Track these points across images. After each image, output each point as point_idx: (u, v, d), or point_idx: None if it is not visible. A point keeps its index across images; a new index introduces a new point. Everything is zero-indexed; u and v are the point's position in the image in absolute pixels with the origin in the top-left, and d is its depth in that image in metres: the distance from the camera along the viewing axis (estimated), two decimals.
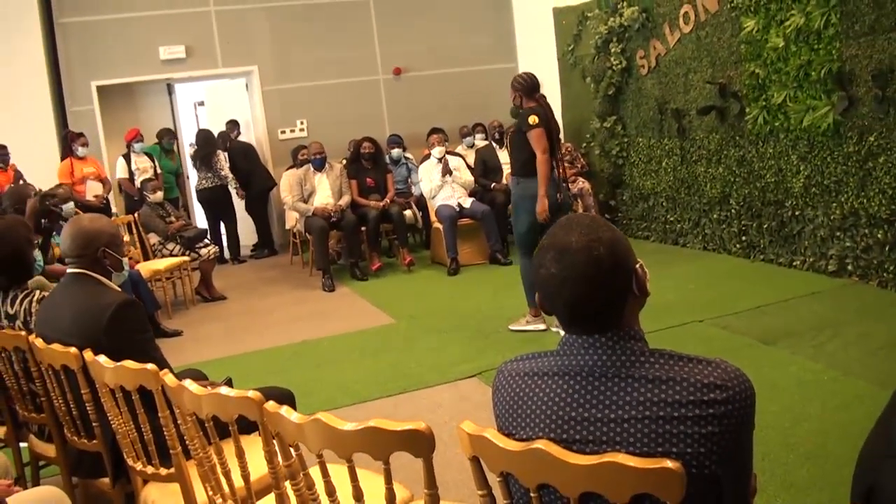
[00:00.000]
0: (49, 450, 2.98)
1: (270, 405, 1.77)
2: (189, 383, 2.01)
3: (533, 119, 4.98)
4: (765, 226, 6.42)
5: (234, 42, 9.55)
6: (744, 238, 6.69)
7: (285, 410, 1.72)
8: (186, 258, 7.33)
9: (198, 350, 5.88)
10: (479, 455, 1.50)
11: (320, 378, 4.94)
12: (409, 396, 4.45)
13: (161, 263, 7.11)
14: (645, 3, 7.47)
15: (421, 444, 1.52)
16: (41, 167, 7.98)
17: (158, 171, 8.58)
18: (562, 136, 6.46)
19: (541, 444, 1.36)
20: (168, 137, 8.98)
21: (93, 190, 8.04)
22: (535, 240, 4.60)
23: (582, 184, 8.24)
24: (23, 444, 3.25)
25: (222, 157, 9.06)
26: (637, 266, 1.55)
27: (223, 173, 8.99)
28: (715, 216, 6.98)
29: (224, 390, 1.92)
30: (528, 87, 5.13)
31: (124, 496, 2.67)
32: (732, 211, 6.76)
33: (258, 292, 7.65)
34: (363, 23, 10.02)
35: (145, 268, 6.82)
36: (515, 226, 5.43)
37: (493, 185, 8.12)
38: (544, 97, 5.27)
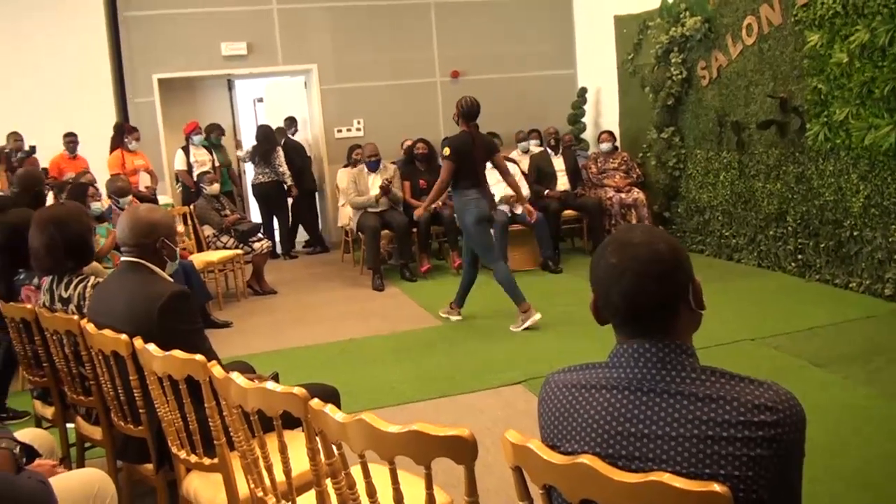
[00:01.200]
0: (95, 432, 3.04)
1: (315, 403, 1.77)
2: (236, 376, 2.02)
3: (446, 151, 5.62)
4: (821, 245, 6.26)
5: (294, 40, 9.65)
6: (799, 257, 6.53)
7: (329, 409, 1.71)
8: (239, 251, 7.42)
9: (246, 342, 5.94)
10: (521, 465, 1.47)
11: (364, 377, 4.95)
12: (452, 400, 4.43)
13: (214, 255, 7.22)
14: (708, 13, 7.35)
15: (463, 450, 1.50)
16: (101, 156, 8.16)
17: (217, 164, 8.72)
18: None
19: (586, 459, 1.33)
20: (216, 132, 9.10)
21: (143, 181, 8.21)
22: (489, 241, 5.78)
23: (636, 194, 8.14)
24: (70, 426, 3.32)
25: (280, 154, 9.17)
26: (696, 279, 1.53)
27: (280, 169, 9.09)
28: (771, 233, 6.83)
29: (270, 385, 1.92)
30: (466, 112, 5.66)
31: (167, 483, 2.70)
32: (789, 228, 6.61)
33: (308, 288, 7.71)
34: (423, 25, 10.05)
35: (198, 259, 6.93)
36: (465, 237, 5.92)
37: (547, 191, 8.06)
38: (476, 126, 5.74)
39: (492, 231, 6.00)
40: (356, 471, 1.78)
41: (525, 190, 7.72)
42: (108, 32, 8.95)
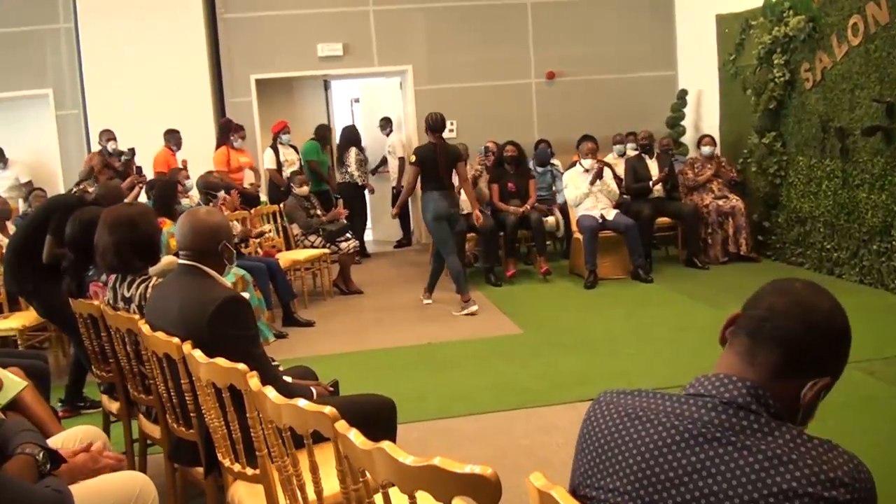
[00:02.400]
0: (155, 431, 3.05)
1: (340, 425, 1.67)
2: (269, 391, 1.94)
3: (412, 158, 6.64)
4: None
5: (390, 41, 9.67)
6: None
7: (354, 434, 1.61)
8: (326, 250, 7.46)
9: (326, 342, 5.95)
10: None
11: (439, 383, 4.86)
12: (526, 413, 4.28)
13: (301, 254, 7.28)
14: (812, 11, 6.93)
15: (485, 491, 1.36)
16: (199, 154, 8.36)
17: (302, 163, 8.84)
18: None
19: None
20: (324, 131, 9.23)
21: (248, 178, 8.37)
22: (448, 236, 6.60)
23: (734, 202, 7.77)
24: (135, 421, 3.35)
25: (352, 154, 9.23)
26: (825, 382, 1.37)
27: (349, 170, 9.16)
28: (875, 247, 6.37)
29: (301, 403, 1.84)
30: (431, 126, 6.59)
31: (216, 488, 2.67)
32: (894, 243, 6.14)
33: (394, 289, 7.69)
34: (519, 26, 9.90)
35: (285, 258, 6.98)
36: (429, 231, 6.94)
37: (651, 181, 7.85)
38: (441, 137, 6.61)
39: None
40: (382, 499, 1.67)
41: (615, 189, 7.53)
42: (207, 34, 9.19)
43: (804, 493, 1.17)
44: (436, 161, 6.51)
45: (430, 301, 6.95)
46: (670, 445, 1.30)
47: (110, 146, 8.12)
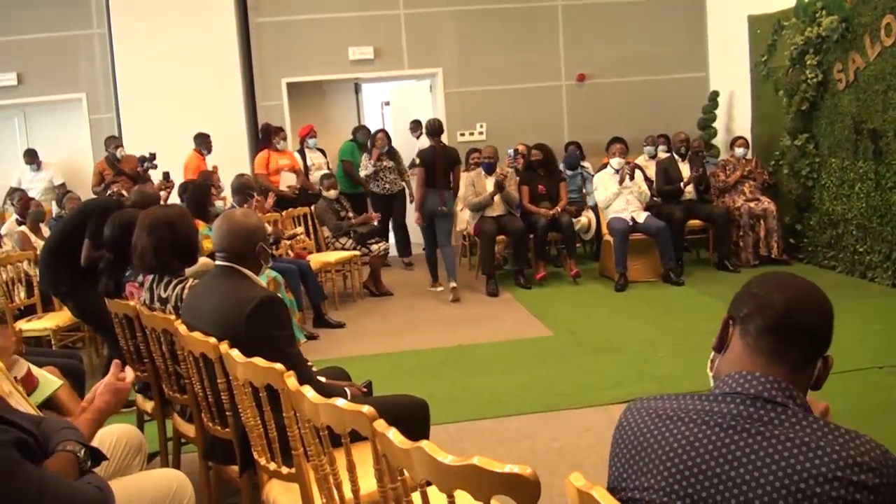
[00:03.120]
0: (189, 430, 3.09)
1: (379, 424, 1.68)
2: (307, 390, 1.96)
3: (416, 160, 7.37)
4: None
5: (420, 44, 9.70)
6: None
7: (392, 433, 1.62)
8: (357, 252, 7.49)
9: (357, 343, 5.98)
10: None
11: (469, 385, 4.86)
12: (557, 416, 4.27)
13: (332, 256, 7.32)
14: (845, 11, 6.84)
15: (524, 490, 1.36)
16: (230, 157, 8.46)
17: (330, 167, 8.87)
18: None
19: None
20: (362, 132, 9.21)
21: (286, 180, 8.42)
22: (428, 231, 7.38)
23: (766, 204, 7.69)
24: (169, 420, 3.38)
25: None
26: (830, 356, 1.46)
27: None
28: None
29: (340, 402, 1.85)
30: (430, 130, 7.33)
31: (251, 486, 2.69)
32: None
33: (424, 291, 7.69)
34: (549, 28, 9.88)
35: (315, 259, 7.03)
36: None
37: (682, 183, 7.77)
38: (440, 141, 7.29)
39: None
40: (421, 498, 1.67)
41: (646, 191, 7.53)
42: (239, 37, 9.28)
43: (833, 478, 1.19)
44: (434, 162, 7.17)
45: (439, 288, 7.56)
46: (701, 440, 1.32)
47: (119, 153, 8.25)
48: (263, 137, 8.67)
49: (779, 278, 1.49)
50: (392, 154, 8.86)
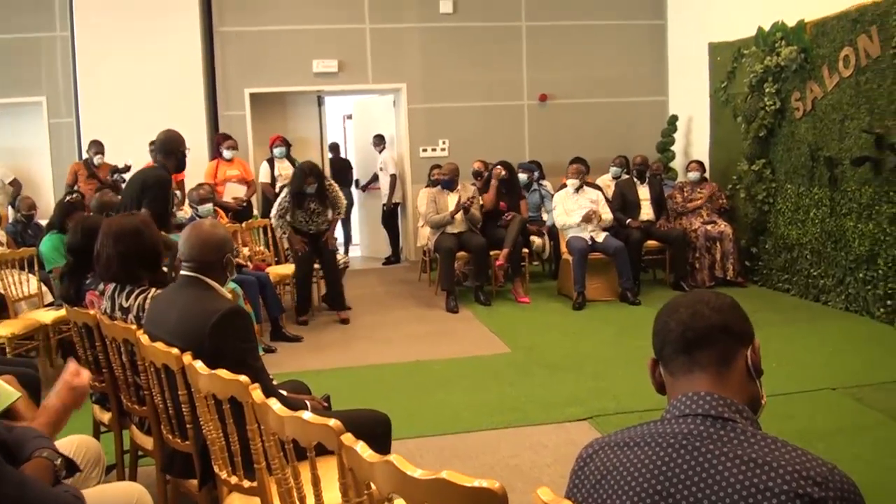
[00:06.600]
0: (147, 442, 3.05)
1: (347, 437, 1.69)
2: (273, 402, 1.96)
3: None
4: None
5: (385, 59, 9.74)
6: (889, 302, 6.14)
7: (360, 447, 1.63)
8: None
9: (314, 357, 5.95)
10: None
11: (427, 401, 4.87)
12: (515, 432, 4.30)
13: (290, 268, 7.27)
14: (804, 43, 7.05)
15: None
16: (191, 166, 8.34)
17: None
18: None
19: None
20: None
21: (231, 192, 8.35)
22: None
23: (723, 227, 7.85)
24: (126, 432, 3.34)
25: None
26: (756, 341, 1.49)
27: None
28: (861, 275, 6.45)
29: (306, 415, 1.85)
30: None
31: (210, 501, 2.67)
32: (880, 272, 6.22)
33: (382, 306, 7.69)
34: (513, 48, 9.99)
35: (274, 272, 6.98)
36: None
37: (629, 220, 7.85)
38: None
39: None
40: None
41: (608, 216, 7.57)
42: (203, 46, 9.22)
43: (780, 492, 1.23)
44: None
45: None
46: (656, 462, 1.36)
47: (97, 160, 8.15)
48: (215, 146, 8.62)
49: (670, 305, 1.54)
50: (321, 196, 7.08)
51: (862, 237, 6.41)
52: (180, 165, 5.11)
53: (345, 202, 7.39)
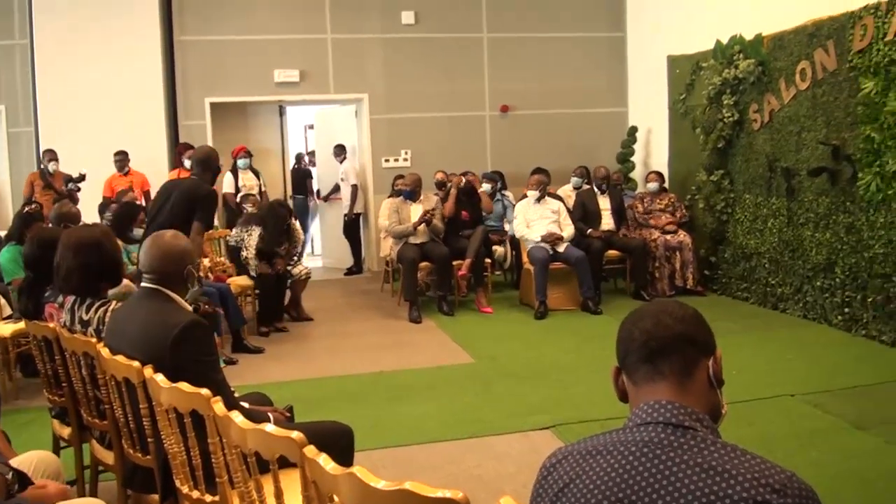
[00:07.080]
0: (108, 457, 3.01)
1: (309, 450, 1.69)
2: (235, 415, 1.95)
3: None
4: (869, 299, 6.00)
5: (346, 69, 9.73)
6: (846, 310, 6.28)
7: (323, 459, 1.64)
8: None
9: (276, 369, 5.91)
10: None
11: (391, 412, 4.86)
12: (479, 442, 4.31)
13: (250, 282, 7.19)
14: (762, 56, 7.20)
15: None
16: (150, 176, 8.31)
17: (264, 188, 8.80)
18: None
19: None
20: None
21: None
22: None
23: (682, 237, 7.97)
24: (86, 446, 3.29)
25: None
26: (718, 351, 1.52)
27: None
28: (818, 284, 6.60)
29: (269, 428, 1.86)
30: None
31: None
32: (837, 280, 6.37)
33: (345, 317, 7.67)
34: (475, 59, 10.06)
35: (235, 283, 6.92)
36: None
37: (590, 230, 7.93)
38: None
39: None
40: None
41: (570, 230, 7.64)
42: (163, 55, 9.14)
43: (740, 499, 1.25)
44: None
45: None
46: (618, 470, 1.37)
47: (51, 166, 8.05)
48: (176, 157, 8.56)
49: (635, 314, 1.56)
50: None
51: (819, 246, 6.55)
52: (213, 181, 5.47)
53: (302, 238, 7.68)
